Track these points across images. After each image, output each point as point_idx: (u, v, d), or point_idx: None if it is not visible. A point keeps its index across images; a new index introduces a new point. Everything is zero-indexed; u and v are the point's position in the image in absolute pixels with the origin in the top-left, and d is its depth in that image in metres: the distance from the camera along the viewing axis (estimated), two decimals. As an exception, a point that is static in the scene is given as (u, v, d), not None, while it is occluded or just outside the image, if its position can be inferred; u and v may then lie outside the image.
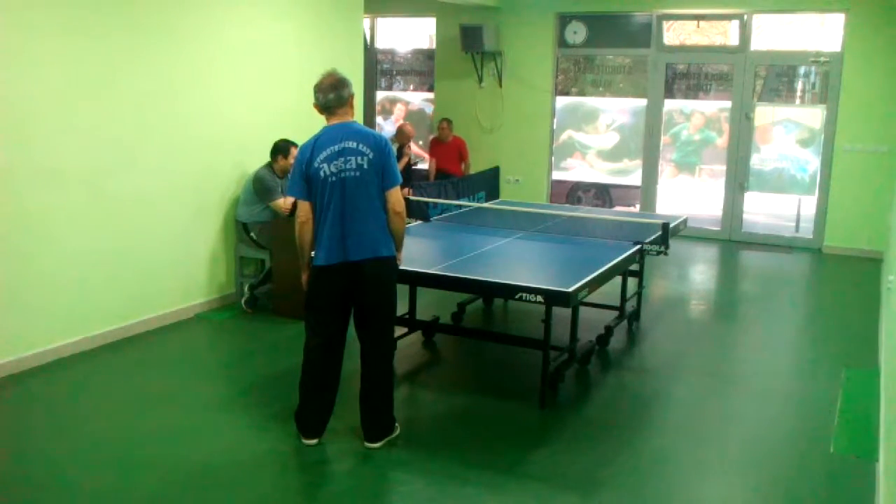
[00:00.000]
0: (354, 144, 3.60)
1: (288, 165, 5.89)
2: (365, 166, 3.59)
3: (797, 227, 9.48)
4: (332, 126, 3.68)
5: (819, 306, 7.00)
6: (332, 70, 3.76)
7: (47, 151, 4.70)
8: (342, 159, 3.58)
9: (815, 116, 8.74)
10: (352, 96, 3.72)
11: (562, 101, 10.08)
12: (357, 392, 3.87)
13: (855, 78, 8.25)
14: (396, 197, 3.68)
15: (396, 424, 3.94)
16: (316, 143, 3.63)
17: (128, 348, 5.14)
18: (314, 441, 3.83)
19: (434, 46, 10.43)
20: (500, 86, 9.87)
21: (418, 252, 5.14)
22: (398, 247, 3.79)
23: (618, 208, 9.74)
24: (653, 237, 5.10)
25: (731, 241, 9.10)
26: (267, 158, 6.01)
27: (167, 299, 5.61)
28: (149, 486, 3.47)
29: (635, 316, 5.90)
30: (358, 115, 7.43)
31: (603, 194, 10.31)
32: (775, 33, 9.10)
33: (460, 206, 6.16)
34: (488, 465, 3.70)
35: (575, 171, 10.29)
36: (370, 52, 10.74)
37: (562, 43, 9.71)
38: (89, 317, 5.06)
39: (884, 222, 7.85)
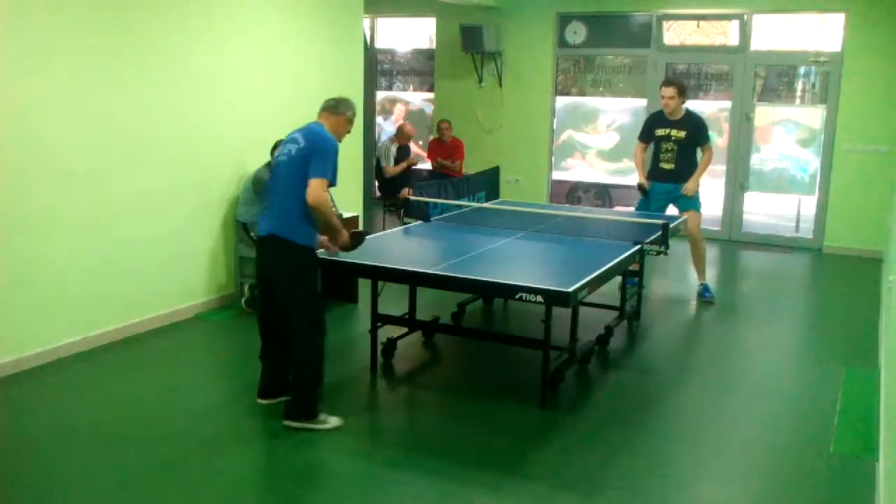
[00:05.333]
0: (297, 136, 3.93)
1: None
2: (293, 153, 3.88)
3: (797, 227, 9.47)
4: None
5: (819, 306, 7.00)
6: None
7: (48, 151, 4.71)
8: (284, 147, 3.95)
9: (815, 116, 8.75)
10: (342, 115, 4.03)
11: (562, 101, 10.08)
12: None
13: (855, 78, 8.24)
14: (311, 188, 3.80)
15: (325, 418, 3.99)
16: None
17: (128, 348, 5.15)
18: (265, 401, 4.18)
19: (434, 46, 10.43)
20: (500, 86, 9.87)
21: (418, 252, 5.15)
22: (331, 234, 4.04)
23: (618, 208, 9.74)
24: (653, 237, 5.10)
25: (731, 241, 9.10)
26: (267, 158, 6.01)
27: (167, 299, 5.61)
28: (149, 486, 3.47)
29: (635, 316, 5.90)
30: (358, 116, 7.45)
31: (603, 194, 10.31)
32: (775, 33, 9.09)
33: (460, 206, 6.16)
34: (488, 465, 3.70)
35: (575, 171, 10.29)
36: (370, 52, 10.74)
37: (562, 43, 9.72)
38: (89, 317, 5.06)
39: (884, 222, 7.84)
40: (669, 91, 6.37)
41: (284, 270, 3.94)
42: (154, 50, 5.30)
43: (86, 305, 5.03)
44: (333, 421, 4.00)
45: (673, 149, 6.48)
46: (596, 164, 10.18)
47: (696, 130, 6.43)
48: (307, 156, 3.82)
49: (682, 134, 6.42)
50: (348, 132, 4.15)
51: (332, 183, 3.88)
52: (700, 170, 6.47)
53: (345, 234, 4.12)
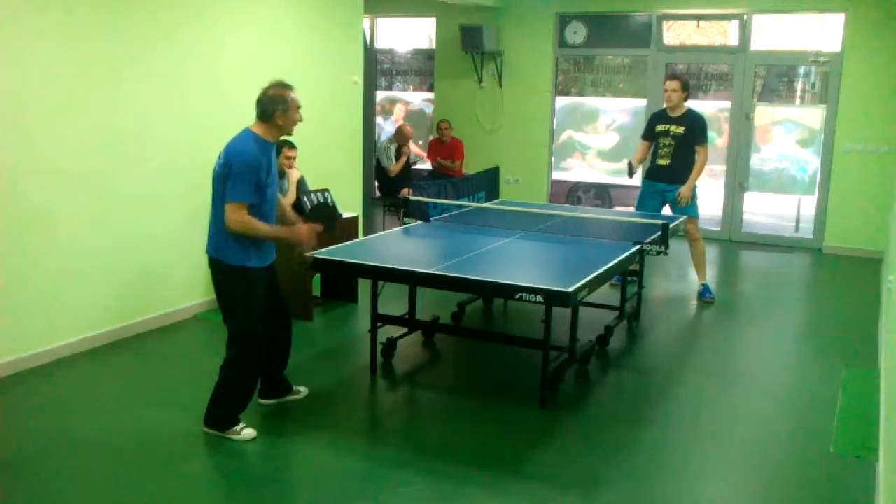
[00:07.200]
0: (223, 149, 3.79)
1: (278, 164, 5.90)
2: (217, 169, 3.76)
3: (797, 227, 9.48)
4: None
5: (819, 306, 7.00)
6: (274, 81, 3.83)
7: (49, 151, 4.71)
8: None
9: (815, 116, 8.75)
10: (272, 112, 3.75)
11: (562, 101, 10.08)
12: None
13: (855, 78, 8.25)
14: (227, 214, 3.68)
15: (240, 428, 3.88)
16: None
17: (128, 348, 5.15)
18: (265, 402, 4.23)
19: (434, 46, 10.44)
20: (500, 86, 9.88)
21: (418, 252, 5.15)
22: (287, 243, 3.93)
23: (618, 208, 9.74)
24: (653, 237, 5.10)
25: (731, 241, 9.10)
26: (267, 158, 6.00)
27: (167, 299, 5.61)
28: (148, 486, 3.47)
29: (635, 316, 5.90)
30: (358, 115, 7.48)
31: (603, 194, 10.31)
32: (775, 33, 9.09)
33: (460, 206, 6.16)
34: (488, 465, 3.70)
35: (575, 171, 10.29)
36: (370, 52, 10.74)
37: (562, 43, 9.72)
38: (89, 317, 5.07)
39: (884, 222, 7.84)
40: (673, 84, 6.39)
41: (218, 289, 3.90)
42: (153, 50, 5.30)
43: (85, 305, 5.03)
44: (248, 433, 3.88)
45: (671, 144, 6.45)
46: (596, 164, 10.18)
47: (695, 127, 6.42)
48: (223, 174, 3.68)
49: (681, 129, 6.42)
50: (294, 122, 3.81)
51: (251, 201, 3.66)
52: (694, 175, 6.44)
53: (300, 231, 3.88)
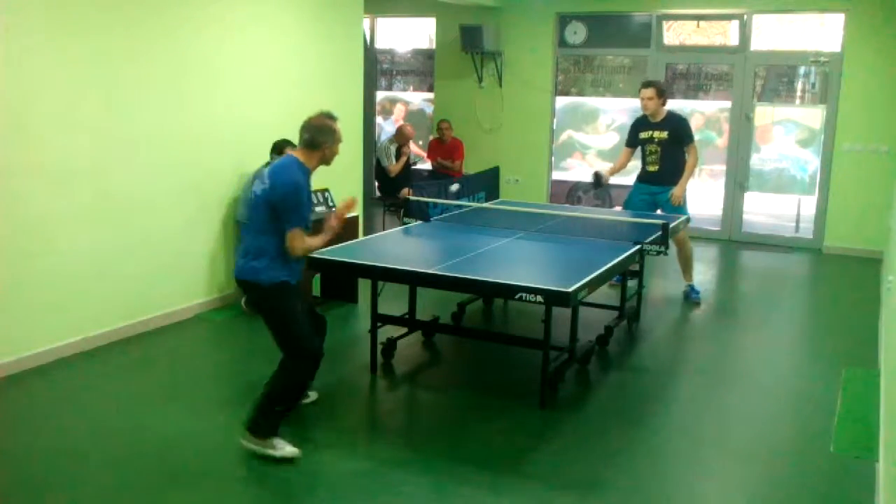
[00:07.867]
0: (265, 173, 3.78)
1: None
2: (258, 193, 3.75)
3: (797, 227, 9.48)
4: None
5: (819, 306, 7.00)
6: (323, 111, 3.85)
7: (49, 151, 4.71)
8: (256, 182, 3.82)
9: (815, 116, 8.75)
10: (319, 150, 3.76)
11: (562, 101, 10.08)
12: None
13: (855, 78, 8.25)
14: (290, 242, 3.68)
15: (281, 445, 3.76)
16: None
17: (128, 348, 5.15)
18: None
19: (434, 46, 10.44)
20: (500, 86, 9.88)
21: (418, 252, 5.15)
22: (323, 244, 3.91)
23: (618, 208, 9.73)
24: (653, 237, 5.10)
25: (731, 241, 9.10)
26: (267, 158, 6.01)
27: (167, 299, 5.61)
28: (148, 485, 3.47)
29: (635, 316, 5.90)
30: (358, 116, 7.48)
31: (603, 194, 10.30)
32: (775, 33, 9.10)
33: (460, 206, 6.16)
34: (488, 466, 3.71)
35: (575, 171, 10.29)
36: (370, 52, 10.74)
37: (562, 43, 9.72)
38: (90, 317, 5.06)
39: (884, 222, 7.84)
40: (648, 92, 6.35)
41: (263, 311, 3.85)
42: (152, 50, 5.30)
43: (86, 305, 5.03)
44: (289, 450, 3.73)
45: (657, 150, 6.44)
46: (596, 165, 10.17)
47: (679, 130, 6.40)
48: (271, 202, 3.66)
49: (665, 134, 6.40)
50: (336, 154, 3.85)
51: (307, 226, 3.74)
52: (685, 175, 6.43)
53: (334, 225, 3.90)
